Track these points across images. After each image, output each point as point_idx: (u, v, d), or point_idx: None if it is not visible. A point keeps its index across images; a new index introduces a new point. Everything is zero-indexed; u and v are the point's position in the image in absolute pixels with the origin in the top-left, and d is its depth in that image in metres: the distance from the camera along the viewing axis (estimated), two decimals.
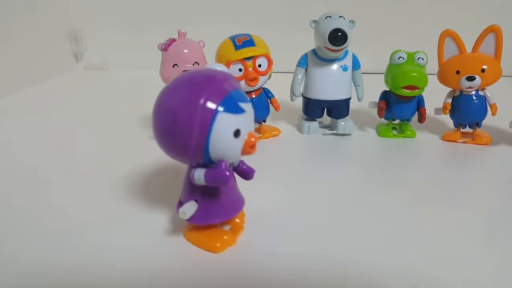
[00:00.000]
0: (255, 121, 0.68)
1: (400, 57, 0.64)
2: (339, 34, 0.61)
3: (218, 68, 0.36)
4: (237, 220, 0.42)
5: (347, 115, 0.70)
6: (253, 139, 0.35)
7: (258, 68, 0.62)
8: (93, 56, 1.29)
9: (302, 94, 0.71)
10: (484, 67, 0.61)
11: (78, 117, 0.83)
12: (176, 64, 0.59)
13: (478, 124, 0.66)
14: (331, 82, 0.67)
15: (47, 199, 0.50)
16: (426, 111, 0.67)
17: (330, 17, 0.64)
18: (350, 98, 0.69)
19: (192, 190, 0.38)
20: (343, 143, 0.68)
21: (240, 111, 0.34)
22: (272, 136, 0.70)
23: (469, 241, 0.42)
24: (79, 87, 1.13)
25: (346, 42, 0.62)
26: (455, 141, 0.67)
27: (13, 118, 0.83)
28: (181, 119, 0.32)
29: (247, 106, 0.35)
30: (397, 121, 0.71)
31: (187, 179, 0.38)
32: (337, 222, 0.45)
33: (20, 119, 0.83)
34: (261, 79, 0.63)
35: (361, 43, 0.79)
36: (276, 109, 0.67)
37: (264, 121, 0.70)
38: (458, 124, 0.68)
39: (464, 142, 0.67)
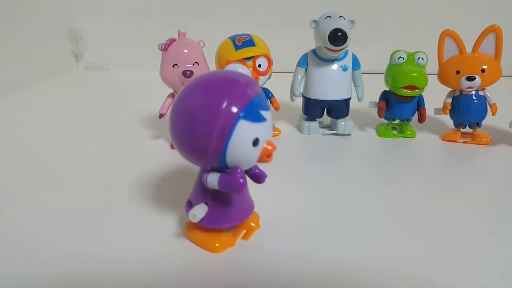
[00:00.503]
0: None
1: (400, 57, 0.64)
2: (339, 34, 0.61)
3: (240, 70, 0.35)
4: (252, 224, 0.42)
5: (347, 115, 0.70)
6: (270, 148, 0.34)
7: (258, 68, 0.62)
8: (93, 56, 1.29)
9: (302, 94, 0.71)
10: (484, 67, 0.61)
11: (78, 117, 0.83)
12: (176, 64, 0.59)
13: (478, 124, 0.66)
14: (331, 82, 0.67)
15: (47, 201, 0.50)
16: (426, 111, 0.67)
17: (330, 17, 0.64)
18: (350, 98, 0.69)
19: (203, 193, 0.37)
20: (343, 143, 0.68)
21: (261, 119, 0.33)
22: (272, 136, 0.70)
23: (469, 241, 0.42)
24: (79, 87, 1.13)
25: (346, 42, 0.62)
26: (455, 141, 0.67)
27: (13, 118, 0.83)
28: (201, 122, 0.31)
29: (268, 114, 0.34)
30: (397, 121, 0.71)
31: (198, 181, 0.37)
32: (337, 222, 0.45)
33: (20, 118, 0.83)
34: (261, 79, 0.63)
35: (361, 43, 0.79)
36: (276, 109, 0.67)
37: None
38: (458, 124, 0.68)
39: (464, 142, 0.67)
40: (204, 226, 0.38)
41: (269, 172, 0.40)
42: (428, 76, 0.63)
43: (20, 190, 0.52)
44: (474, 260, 0.39)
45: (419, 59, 0.64)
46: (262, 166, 0.40)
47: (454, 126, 0.68)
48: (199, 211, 0.37)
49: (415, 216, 0.46)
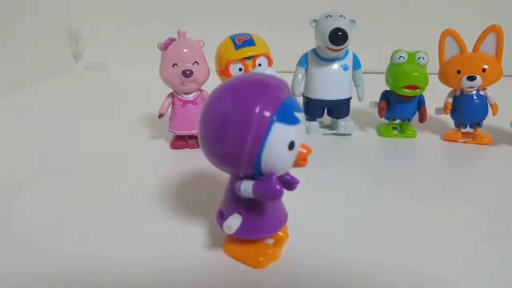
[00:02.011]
0: None
1: (401, 56, 0.64)
2: (340, 33, 0.61)
3: (268, 73, 0.34)
4: (279, 233, 0.40)
5: (347, 115, 0.70)
6: (305, 151, 0.32)
7: None
8: (92, 56, 1.29)
9: (302, 93, 0.70)
10: (485, 66, 0.61)
11: (77, 117, 0.83)
12: (176, 64, 0.59)
13: (478, 124, 0.66)
14: (331, 82, 0.67)
15: (48, 201, 0.50)
16: (427, 111, 0.67)
17: (331, 16, 0.63)
18: (351, 98, 0.69)
19: (236, 202, 0.36)
20: (344, 143, 0.68)
21: (295, 121, 0.32)
22: None
23: (469, 240, 0.41)
24: (79, 87, 1.13)
25: (347, 42, 0.61)
26: (455, 141, 0.67)
27: (13, 118, 0.83)
28: (234, 128, 0.30)
29: (301, 116, 0.33)
30: (397, 121, 0.71)
31: (229, 189, 0.36)
32: (337, 222, 0.45)
33: (20, 118, 0.82)
34: None
35: (361, 43, 0.79)
36: None
37: None
38: (458, 124, 0.67)
39: (464, 142, 0.67)
40: (238, 237, 0.37)
41: None
42: (429, 75, 0.63)
43: (21, 190, 0.52)
44: (475, 260, 0.39)
45: (420, 58, 0.64)
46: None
47: (455, 126, 0.68)
48: (234, 222, 0.35)
49: (415, 216, 0.46)
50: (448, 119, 0.70)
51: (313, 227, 0.44)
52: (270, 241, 0.40)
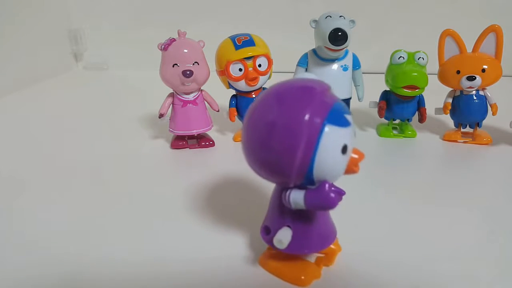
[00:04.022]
0: None
1: (401, 56, 0.64)
2: (340, 33, 0.61)
3: (309, 77, 0.33)
4: (331, 246, 0.37)
5: None
6: (356, 156, 0.31)
7: (258, 68, 0.62)
8: (93, 56, 1.29)
9: None
10: (485, 67, 0.61)
11: (77, 117, 0.83)
12: (176, 64, 0.59)
13: (478, 124, 0.66)
14: (331, 82, 0.65)
15: (50, 202, 0.50)
16: (427, 111, 0.67)
17: (331, 16, 0.63)
18: (351, 98, 0.69)
19: (282, 215, 0.34)
20: None
21: (347, 123, 0.30)
22: None
23: (469, 240, 0.42)
24: (79, 87, 1.13)
25: (347, 42, 0.61)
26: (455, 141, 0.67)
27: (13, 118, 0.83)
28: (284, 136, 0.28)
29: (351, 118, 0.31)
30: (397, 121, 0.71)
31: (275, 202, 0.34)
32: (336, 222, 0.45)
33: (20, 118, 0.82)
34: (261, 79, 0.63)
35: (361, 43, 0.79)
36: None
37: None
38: (458, 124, 0.68)
39: (464, 142, 0.67)
40: (284, 252, 0.35)
41: None
42: (428, 76, 0.63)
43: (21, 190, 0.52)
44: (474, 260, 0.39)
45: (420, 58, 0.64)
46: None
47: (455, 126, 0.68)
48: (285, 236, 0.33)
49: (415, 216, 0.46)
50: (447, 119, 0.70)
51: None
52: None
